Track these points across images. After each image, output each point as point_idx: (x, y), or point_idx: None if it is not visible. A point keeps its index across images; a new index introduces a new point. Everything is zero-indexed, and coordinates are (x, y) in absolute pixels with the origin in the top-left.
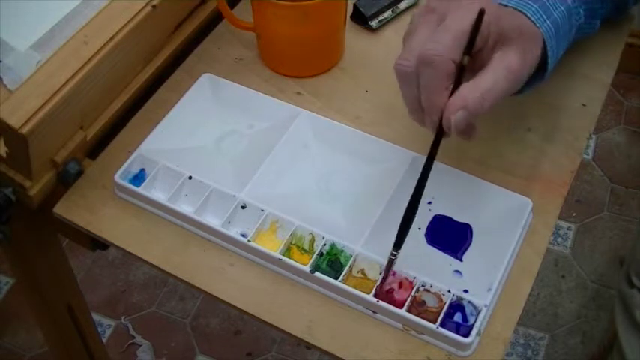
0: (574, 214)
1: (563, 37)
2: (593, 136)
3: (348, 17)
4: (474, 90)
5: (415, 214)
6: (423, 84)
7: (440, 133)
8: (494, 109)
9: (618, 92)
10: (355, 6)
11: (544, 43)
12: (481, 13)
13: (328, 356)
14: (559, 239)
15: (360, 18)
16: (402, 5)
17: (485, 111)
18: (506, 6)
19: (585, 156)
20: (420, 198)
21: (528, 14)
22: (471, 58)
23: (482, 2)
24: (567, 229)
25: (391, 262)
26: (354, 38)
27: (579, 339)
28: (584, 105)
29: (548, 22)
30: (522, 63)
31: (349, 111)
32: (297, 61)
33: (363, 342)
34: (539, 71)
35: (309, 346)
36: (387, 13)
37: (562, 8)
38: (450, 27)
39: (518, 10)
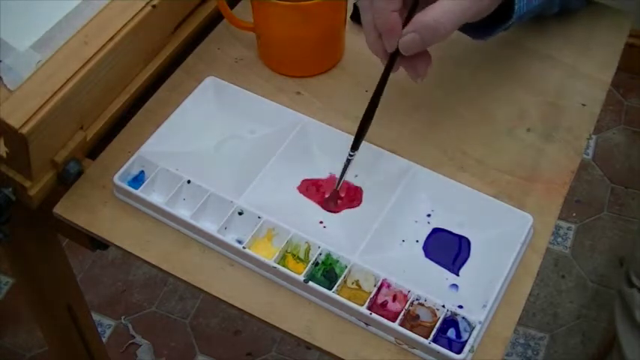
0: (574, 214)
1: None
2: (593, 136)
3: (348, 17)
4: (427, 14)
5: (372, 117)
6: (374, 8)
7: (393, 55)
8: (494, 109)
9: (618, 92)
10: (355, 6)
11: None
12: None
13: (328, 356)
14: (559, 239)
15: (360, 18)
16: None
17: (442, 34)
18: None
19: (585, 156)
20: (377, 102)
21: None
22: None
23: None
24: (567, 229)
25: (348, 162)
26: (354, 38)
27: (579, 339)
28: (584, 105)
29: None
30: None
31: (349, 111)
32: (297, 61)
33: (363, 342)
34: (507, 13)
35: (309, 346)
36: None
37: None
38: None
39: None
